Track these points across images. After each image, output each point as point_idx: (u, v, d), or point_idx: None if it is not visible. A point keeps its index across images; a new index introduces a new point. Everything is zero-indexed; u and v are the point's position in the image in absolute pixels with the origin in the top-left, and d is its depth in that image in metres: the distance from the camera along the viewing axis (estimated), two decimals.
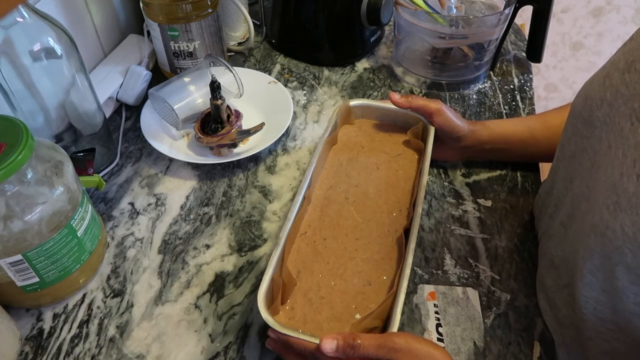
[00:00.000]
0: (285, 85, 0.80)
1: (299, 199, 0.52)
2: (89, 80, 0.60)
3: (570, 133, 0.46)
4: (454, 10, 0.79)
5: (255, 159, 0.69)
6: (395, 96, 0.60)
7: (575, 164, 0.45)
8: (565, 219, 0.45)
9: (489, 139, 0.62)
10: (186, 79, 0.69)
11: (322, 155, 0.58)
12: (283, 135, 0.70)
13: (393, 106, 0.63)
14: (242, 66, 0.84)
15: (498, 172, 0.67)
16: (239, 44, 0.88)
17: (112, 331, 0.51)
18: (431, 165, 0.66)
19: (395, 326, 0.42)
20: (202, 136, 0.64)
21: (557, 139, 0.61)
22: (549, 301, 0.49)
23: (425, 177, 0.54)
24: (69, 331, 0.51)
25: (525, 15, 0.81)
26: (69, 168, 0.49)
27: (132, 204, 0.63)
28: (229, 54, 0.87)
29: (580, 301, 0.41)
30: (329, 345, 0.40)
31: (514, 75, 0.83)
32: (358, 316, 0.46)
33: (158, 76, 0.78)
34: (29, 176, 0.45)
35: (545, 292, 0.49)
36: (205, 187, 0.65)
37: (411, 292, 0.53)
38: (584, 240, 0.40)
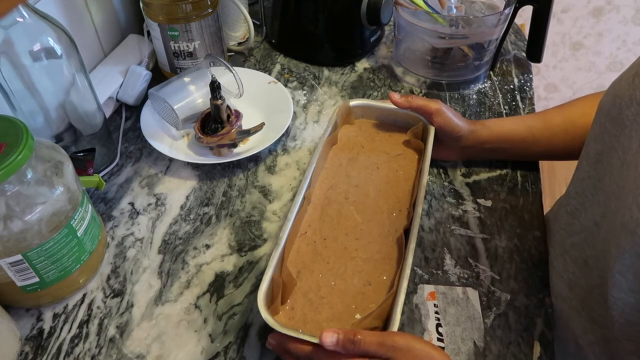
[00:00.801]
0: (285, 85, 0.80)
1: (299, 199, 0.52)
2: (89, 80, 0.60)
3: (597, 132, 0.46)
4: (454, 10, 0.79)
5: (255, 159, 0.69)
6: (395, 96, 0.60)
7: (604, 162, 0.45)
8: (599, 219, 0.45)
9: (489, 138, 0.62)
10: (186, 79, 0.69)
11: (322, 155, 0.58)
12: (283, 135, 0.70)
13: (393, 106, 0.62)
14: (242, 66, 0.84)
15: (498, 172, 0.67)
16: (239, 44, 0.88)
17: (112, 331, 0.51)
18: (431, 165, 0.66)
19: (395, 326, 0.41)
20: (202, 136, 0.64)
21: (557, 137, 0.61)
22: (581, 301, 0.48)
23: (425, 177, 0.54)
24: (69, 331, 0.51)
25: (525, 15, 0.81)
26: (69, 168, 0.49)
27: (132, 204, 0.63)
28: (229, 54, 0.87)
29: (609, 302, 0.41)
30: (329, 339, 0.40)
31: (514, 75, 0.83)
32: (358, 316, 0.46)
33: (158, 76, 0.78)
34: (29, 176, 0.45)
35: (577, 292, 0.49)
36: (205, 187, 0.65)
37: (411, 292, 0.53)
38: (615, 239, 0.39)
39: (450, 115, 0.60)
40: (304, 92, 0.80)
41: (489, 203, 0.63)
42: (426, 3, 0.75)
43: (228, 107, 0.66)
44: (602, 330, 0.45)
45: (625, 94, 0.41)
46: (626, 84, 0.42)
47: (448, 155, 0.65)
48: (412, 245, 0.47)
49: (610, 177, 0.43)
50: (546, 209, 0.64)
